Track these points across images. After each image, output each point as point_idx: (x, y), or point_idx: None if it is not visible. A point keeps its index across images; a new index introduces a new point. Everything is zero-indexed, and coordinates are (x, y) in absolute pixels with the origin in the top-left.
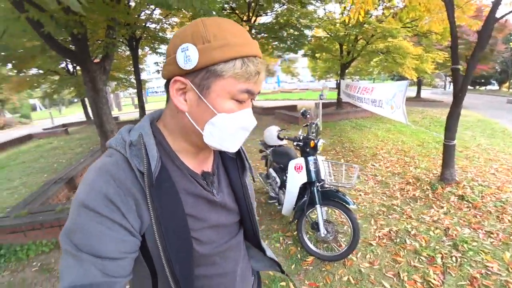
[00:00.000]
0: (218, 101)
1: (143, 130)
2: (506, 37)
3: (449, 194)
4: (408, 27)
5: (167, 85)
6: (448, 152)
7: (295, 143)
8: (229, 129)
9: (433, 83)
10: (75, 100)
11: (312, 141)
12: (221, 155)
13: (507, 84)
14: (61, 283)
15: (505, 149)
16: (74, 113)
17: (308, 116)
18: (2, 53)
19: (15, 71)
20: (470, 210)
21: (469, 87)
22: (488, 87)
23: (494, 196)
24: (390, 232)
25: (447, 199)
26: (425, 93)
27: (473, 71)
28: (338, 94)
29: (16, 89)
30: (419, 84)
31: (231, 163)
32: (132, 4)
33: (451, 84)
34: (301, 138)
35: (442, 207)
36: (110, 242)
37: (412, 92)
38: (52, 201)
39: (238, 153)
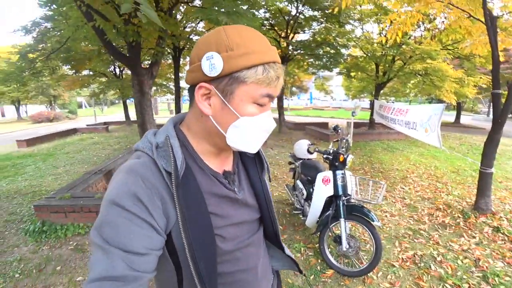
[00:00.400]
0: (241, 105)
1: (169, 133)
2: None
3: (482, 225)
4: (449, 49)
5: (190, 90)
6: (484, 180)
7: (324, 156)
8: (251, 131)
9: (475, 109)
10: (116, 101)
11: (342, 156)
12: (240, 154)
13: None
14: (90, 274)
15: None
16: (114, 113)
17: (339, 131)
18: (64, 55)
19: (73, 71)
20: (505, 243)
21: None
22: None
23: None
24: (414, 256)
25: (480, 229)
26: (466, 118)
27: None
28: (371, 114)
29: (70, 87)
30: (458, 108)
31: (250, 162)
32: (179, 17)
33: None
34: (331, 151)
35: (474, 237)
36: (137, 238)
37: (451, 117)
38: (91, 189)
39: (257, 152)
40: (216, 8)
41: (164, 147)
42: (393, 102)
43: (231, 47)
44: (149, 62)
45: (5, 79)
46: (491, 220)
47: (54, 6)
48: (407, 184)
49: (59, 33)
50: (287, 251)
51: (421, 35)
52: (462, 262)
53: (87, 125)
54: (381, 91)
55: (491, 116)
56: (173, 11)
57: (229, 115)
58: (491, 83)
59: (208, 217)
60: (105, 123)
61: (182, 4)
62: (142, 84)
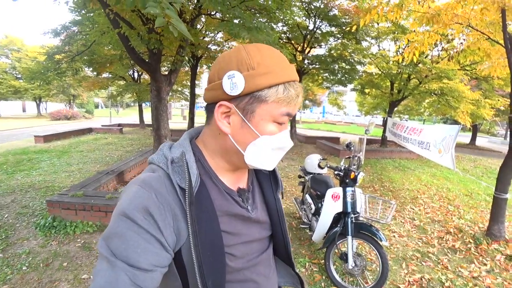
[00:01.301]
0: (261, 124)
1: (184, 148)
2: None
3: (495, 252)
4: (467, 70)
5: (208, 108)
6: (498, 206)
7: (335, 172)
8: (269, 150)
9: (492, 131)
10: (132, 104)
11: (353, 173)
12: (255, 172)
13: None
14: (93, 283)
15: None
16: (129, 115)
17: (352, 148)
18: (88, 58)
19: (94, 73)
20: None
21: None
22: None
23: None
24: (421, 279)
25: (492, 256)
26: (481, 140)
27: None
28: (383, 131)
29: (89, 87)
30: (474, 130)
31: (265, 180)
32: (199, 27)
33: None
34: (342, 168)
35: (485, 264)
36: (144, 253)
37: (466, 138)
38: (103, 189)
39: (272, 170)
40: (237, 22)
41: (179, 162)
42: (406, 120)
43: (252, 66)
44: (168, 69)
45: (31, 77)
46: (504, 248)
47: (83, 11)
48: (418, 205)
49: (85, 37)
50: (296, 269)
51: (438, 54)
52: None
53: (102, 125)
54: (395, 109)
55: (508, 139)
56: (195, 22)
57: (248, 134)
58: (509, 105)
59: (220, 236)
60: (119, 125)
61: (204, 15)
62: (160, 90)
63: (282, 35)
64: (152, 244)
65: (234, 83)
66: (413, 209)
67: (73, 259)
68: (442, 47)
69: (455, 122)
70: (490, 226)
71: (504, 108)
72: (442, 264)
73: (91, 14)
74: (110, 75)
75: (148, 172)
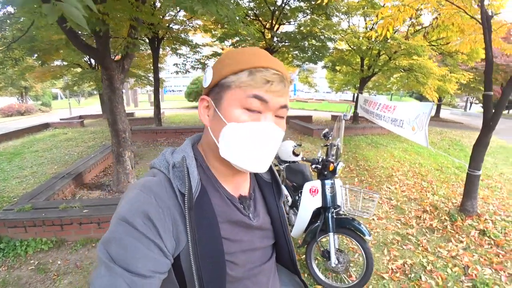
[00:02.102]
0: (228, 110)
1: (186, 153)
2: None
3: (469, 228)
4: (434, 45)
5: None
6: (471, 183)
7: (313, 166)
8: (239, 140)
9: (453, 103)
10: (95, 92)
11: (332, 164)
12: (257, 179)
13: None
14: None
15: None
16: (92, 105)
17: (330, 137)
18: (28, 44)
19: (39, 62)
20: (492, 247)
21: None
22: (511, 111)
23: None
24: (404, 265)
25: (467, 233)
26: (444, 113)
27: (508, 98)
28: (355, 108)
29: (40, 78)
30: (438, 103)
31: (268, 188)
32: (158, 4)
33: (472, 105)
34: (320, 160)
35: (462, 242)
36: (143, 259)
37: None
38: (57, 197)
39: (274, 178)
40: None
41: (180, 167)
42: (375, 95)
43: (223, 60)
44: (121, 55)
45: None
46: (477, 223)
47: None
48: (393, 183)
49: (21, 19)
50: (302, 277)
51: (407, 30)
52: (451, 270)
53: (61, 119)
54: (365, 85)
55: (468, 110)
56: None
57: (219, 123)
58: (471, 79)
59: (220, 242)
60: (80, 117)
61: None
62: (112, 79)
63: (249, 11)
64: (151, 249)
65: (206, 77)
66: (389, 188)
67: (25, 286)
68: (412, 22)
69: (422, 96)
70: (463, 202)
71: (466, 82)
72: (422, 246)
73: None
74: (64, 63)
75: (149, 176)
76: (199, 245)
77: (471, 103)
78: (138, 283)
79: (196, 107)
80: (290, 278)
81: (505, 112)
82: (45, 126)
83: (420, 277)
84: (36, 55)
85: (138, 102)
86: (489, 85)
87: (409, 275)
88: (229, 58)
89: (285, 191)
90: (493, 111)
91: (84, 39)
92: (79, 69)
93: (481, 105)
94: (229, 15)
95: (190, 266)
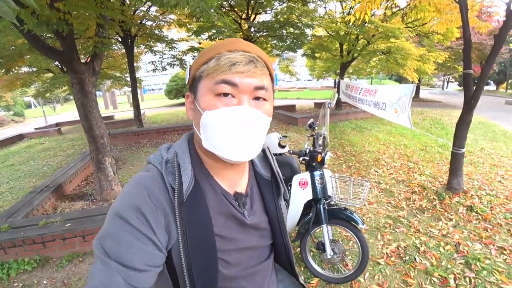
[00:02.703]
0: (202, 99)
1: (180, 149)
2: (506, 38)
3: (457, 205)
4: (410, 27)
5: None
6: (456, 161)
7: (301, 158)
8: (216, 128)
9: (431, 83)
10: (71, 97)
11: (320, 155)
12: (256, 178)
13: (504, 84)
14: (87, 285)
15: (508, 154)
16: (70, 111)
17: (315, 127)
18: None
19: (2, 70)
20: (479, 222)
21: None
22: (486, 87)
23: (504, 207)
24: (398, 249)
25: (455, 210)
26: (423, 92)
27: (487, 76)
28: (338, 93)
29: (8, 87)
30: (418, 84)
31: (266, 186)
32: (127, 1)
33: (448, 83)
34: (307, 152)
35: (451, 219)
36: (138, 253)
37: None
38: (37, 212)
39: (274, 176)
40: None
41: (173, 163)
42: (355, 80)
43: (199, 55)
44: (89, 55)
45: None
46: (464, 199)
47: None
48: (380, 166)
49: None
50: (301, 279)
51: (384, 13)
52: (444, 249)
53: (36, 128)
54: (345, 70)
55: (445, 89)
56: None
57: (198, 114)
58: (447, 59)
59: (213, 239)
60: (57, 124)
61: None
62: (83, 82)
63: (224, 2)
64: (145, 243)
65: (187, 74)
66: (377, 171)
67: None
68: (387, 5)
69: (401, 78)
70: (450, 180)
71: (443, 61)
72: (414, 227)
73: None
74: (32, 69)
75: (144, 171)
76: (190, 240)
77: (447, 82)
78: (133, 276)
79: (177, 105)
80: (289, 280)
81: None
82: (20, 137)
83: (415, 259)
84: None
85: (117, 104)
86: (468, 64)
87: (404, 258)
88: (203, 52)
89: (284, 187)
90: (474, 88)
91: (49, 42)
92: (50, 74)
93: (457, 83)
94: (201, 6)
95: (180, 261)
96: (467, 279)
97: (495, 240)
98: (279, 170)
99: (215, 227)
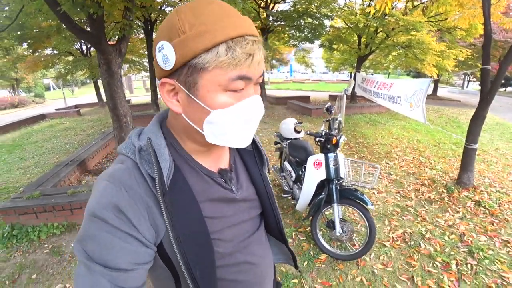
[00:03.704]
0: (209, 96)
1: (152, 133)
2: None
3: (465, 199)
4: (432, 21)
5: None
6: (468, 156)
7: (317, 139)
8: (230, 124)
9: (450, 81)
10: (88, 81)
11: (334, 138)
12: (237, 150)
13: None
14: None
15: None
16: (86, 94)
17: (332, 111)
18: (18, 32)
19: (30, 50)
20: (486, 217)
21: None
22: (508, 88)
23: None
24: (404, 234)
25: (463, 203)
26: (442, 91)
27: (505, 73)
28: (353, 87)
29: (31, 68)
30: (436, 81)
31: (249, 157)
32: None
33: (469, 83)
34: (323, 134)
35: (458, 212)
36: (121, 253)
37: (429, 89)
38: (64, 183)
39: (256, 146)
40: None
41: (147, 150)
42: (372, 75)
43: (183, 29)
44: (117, 37)
45: None
46: (473, 194)
47: None
48: (392, 159)
49: (7, 7)
50: (289, 245)
51: (405, 6)
52: (448, 238)
53: (56, 109)
54: (362, 64)
55: (465, 88)
56: None
57: (199, 111)
58: (469, 56)
59: (203, 223)
60: (76, 106)
61: None
62: (110, 63)
63: None
64: (128, 242)
65: (165, 56)
66: (388, 163)
67: (42, 269)
68: None
69: (419, 74)
70: (460, 175)
71: (464, 59)
72: (421, 216)
73: None
74: (54, 51)
75: (117, 164)
76: (180, 229)
77: (468, 81)
78: (120, 278)
79: None
80: (278, 247)
81: (501, 89)
82: (42, 117)
83: (420, 244)
84: (26, 43)
85: (133, 89)
86: (487, 59)
87: (409, 243)
88: (193, 27)
89: (265, 156)
90: (490, 85)
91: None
92: (70, 58)
93: (479, 83)
94: None
95: (173, 251)
96: (468, 265)
97: (500, 234)
98: (258, 139)
99: (204, 210)
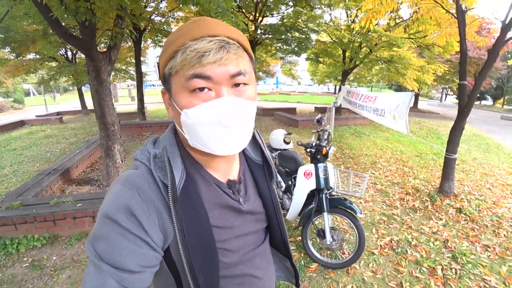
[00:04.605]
0: (178, 98)
1: (167, 142)
2: (504, 54)
3: (447, 207)
4: (412, 38)
5: None
6: (448, 166)
7: (307, 150)
8: (199, 126)
9: (430, 95)
10: (71, 88)
11: (324, 148)
12: (247, 162)
13: (501, 100)
14: None
15: (499, 165)
16: (69, 101)
17: (323, 122)
18: (1, 35)
19: (13, 54)
20: (467, 223)
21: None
22: (483, 102)
23: (491, 211)
24: (391, 242)
25: (445, 211)
26: (422, 104)
27: (480, 87)
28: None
29: (12, 72)
30: (417, 95)
31: (258, 170)
32: None
33: (447, 96)
34: (313, 144)
35: (441, 219)
36: (130, 254)
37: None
38: (46, 193)
39: (265, 160)
40: None
41: (161, 157)
42: (356, 87)
43: (163, 47)
44: (106, 45)
45: None
46: (454, 202)
47: None
48: (377, 169)
49: None
50: (293, 261)
51: (388, 23)
52: (433, 244)
53: (37, 115)
54: (346, 77)
55: (443, 101)
56: None
57: (177, 112)
58: (446, 71)
59: (210, 231)
60: (58, 113)
61: None
62: (99, 70)
63: (233, 3)
64: (137, 244)
65: (157, 70)
66: (373, 173)
67: (21, 284)
68: (391, 16)
69: (401, 87)
70: (442, 184)
71: (442, 74)
72: (407, 224)
73: None
74: (37, 56)
75: (132, 169)
76: (187, 237)
77: (446, 95)
78: (127, 279)
79: None
80: (279, 264)
81: (477, 103)
82: (21, 123)
83: (406, 251)
84: (9, 47)
85: (118, 97)
86: (463, 75)
87: (396, 250)
88: (166, 44)
89: (278, 176)
90: (467, 99)
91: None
92: (54, 63)
93: (455, 96)
94: (221, 6)
95: (180, 257)
96: (453, 270)
97: (480, 239)
98: (269, 154)
99: (212, 219)
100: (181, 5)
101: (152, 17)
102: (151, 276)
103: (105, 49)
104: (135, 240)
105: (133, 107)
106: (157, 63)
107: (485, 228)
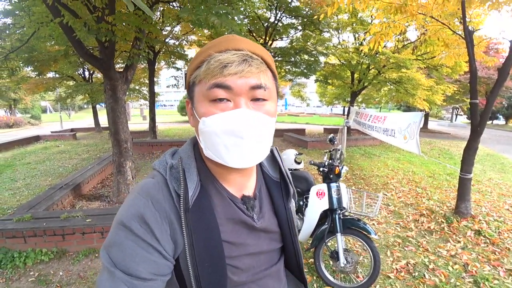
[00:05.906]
0: (198, 106)
1: (184, 153)
2: None
3: (465, 228)
4: (420, 59)
5: None
6: (464, 186)
7: (320, 169)
8: (214, 136)
9: (440, 115)
10: (85, 106)
11: (337, 168)
12: (264, 179)
13: None
14: None
15: None
16: (83, 119)
17: (335, 142)
18: (26, 55)
19: (35, 73)
20: (488, 246)
21: None
22: (495, 121)
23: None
24: (407, 265)
25: (463, 233)
26: (432, 124)
27: (492, 106)
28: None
29: (32, 90)
30: (427, 115)
31: (275, 188)
32: (155, 18)
33: (457, 116)
34: (326, 164)
35: (459, 242)
36: (143, 262)
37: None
38: (57, 207)
39: (283, 177)
40: (203, 8)
41: (178, 168)
42: (364, 109)
43: (193, 58)
44: (123, 65)
45: None
46: (472, 224)
47: None
48: (389, 190)
49: (20, 30)
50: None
51: (395, 45)
52: (452, 268)
53: (52, 132)
54: (355, 98)
55: (454, 122)
56: (153, 9)
57: (197, 121)
58: (456, 91)
59: (221, 246)
60: (72, 130)
61: (161, 4)
62: (116, 89)
63: (244, 27)
64: (150, 252)
65: (183, 78)
66: (385, 194)
67: None
68: (398, 38)
69: (409, 108)
70: (457, 205)
71: (451, 94)
72: (422, 247)
73: (26, 2)
74: (56, 75)
75: (149, 178)
76: (197, 249)
77: (456, 115)
78: (139, 286)
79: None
80: (296, 285)
81: (489, 122)
82: (36, 138)
83: (424, 275)
84: (31, 66)
85: (130, 116)
86: (474, 94)
87: (413, 274)
88: (195, 55)
89: (293, 189)
90: (479, 118)
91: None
92: (71, 82)
93: (466, 116)
94: (235, 29)
95: (187, 270)
96: None
97: (503, 263)
98: (288, 171)
99: (223, 233)
100: (194, 29)
101: (167, 40)
102: (163, 284)
103: (121, 70)
104: (148, 248)
105: (144, 126)
106: (185, 72)
107: (507, 251)
